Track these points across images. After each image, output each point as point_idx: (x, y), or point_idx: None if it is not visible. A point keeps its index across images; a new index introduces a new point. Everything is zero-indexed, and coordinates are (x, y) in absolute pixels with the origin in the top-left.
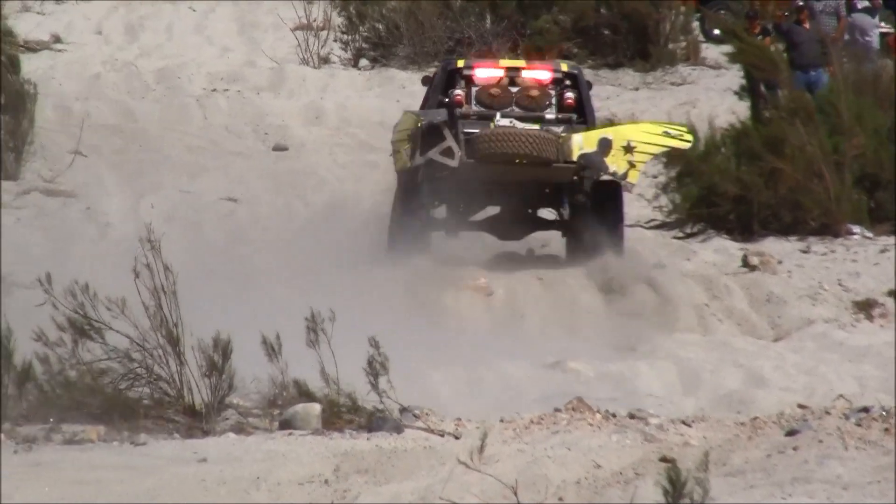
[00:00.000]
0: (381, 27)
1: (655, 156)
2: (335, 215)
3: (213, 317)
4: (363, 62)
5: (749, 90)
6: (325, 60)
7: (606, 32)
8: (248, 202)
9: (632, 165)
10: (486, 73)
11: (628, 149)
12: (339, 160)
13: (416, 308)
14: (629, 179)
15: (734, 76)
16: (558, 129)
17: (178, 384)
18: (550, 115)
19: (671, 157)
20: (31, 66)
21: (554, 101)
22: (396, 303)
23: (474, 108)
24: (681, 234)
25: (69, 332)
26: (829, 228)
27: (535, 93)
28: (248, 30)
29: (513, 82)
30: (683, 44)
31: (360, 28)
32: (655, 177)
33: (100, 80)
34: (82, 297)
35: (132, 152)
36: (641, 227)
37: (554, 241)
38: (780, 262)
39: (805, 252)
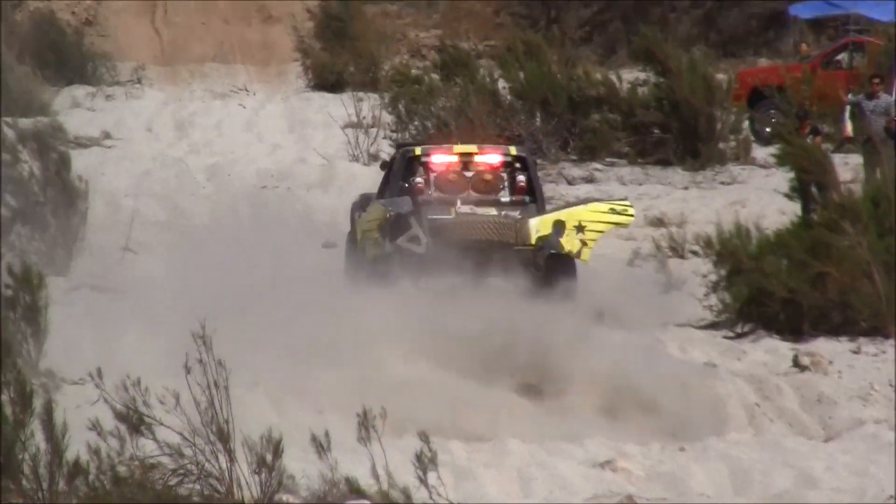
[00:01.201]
0: (430, 125)
1: (604, 233)
2: None
3: (266, 412)
4: None
5: (799, 191)
6: (374, 157)
7: (656, 131)
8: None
9: (584, 244)
10: (442, 158)
11: (580, 228)
12: None
13: (463, 401)
14: (582, 257)
15: (784, 176)
16: (515, 214)
17: (228, 481)
18: (504, 197)
19: (721, 256)
20: (80, 163)
21: (506, 184)
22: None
23: (434, 193)
24: (731, 334)
25: (121, 427)
26: (879, 329)
27: (488, 177)
28: (298, 127)
29: (466, 167)
30: (733, 143)
31: (410, 125)
32: (705, 276)
33: (149, 176)
34: (133, 391)
35: (182, 249)
36: (692, 326)
37: None
38: (830, 363)
39: (856, 352)
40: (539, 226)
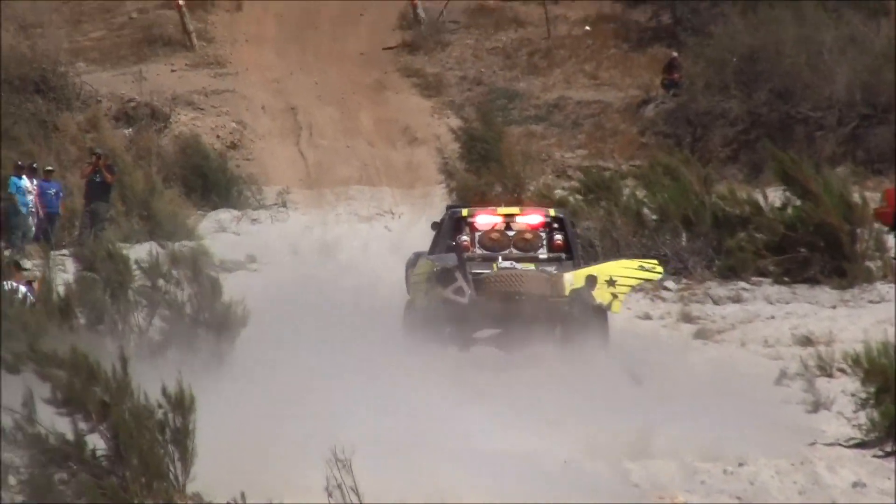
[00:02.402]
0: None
1: (633, 287)
2: None
3: None
4: None
5: None
6: None
7: (802, 250)
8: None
9: (615, 297)
10: (487, 219)
11: (611, 283)
12: (535, 376)
13: None
14: (613, 309)
15: None
16: (551, 269)
17: None
18: (543, 254)
19: (869, 374)
20: (226, 287)
21: (545, 242)
22: None
23: (478, 251)
24: (881, 453)
25: None
26: None
27: (529, 236)
28: None
29: (509, 227)
30: (880, 262)
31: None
32: (854, 394)
33: (295, 299)
34: None
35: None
36: (841, 445)
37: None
38: None
39: None
40: (574, 279)
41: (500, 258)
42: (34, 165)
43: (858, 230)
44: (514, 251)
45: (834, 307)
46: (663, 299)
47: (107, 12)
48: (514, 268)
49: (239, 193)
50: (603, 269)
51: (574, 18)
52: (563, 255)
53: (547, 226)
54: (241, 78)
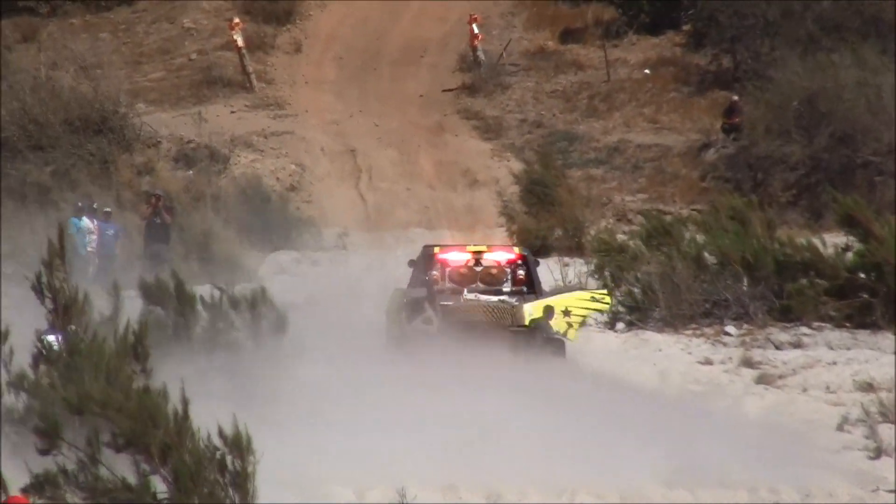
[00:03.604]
0: (636, 290)
1: (585, 317)
2: None
3: None
4: (619, 325)
5: None
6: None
7: (864, 296)
8: (509, 467)
9: (570, 325)
10: (457, 256)
11: (566, 313)
12: (596, 422)
13: None
14: (569, 337)
15: None
16: (513, 300)
17: None
18: (507, 288)
19: None
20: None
21: (509, 277)
22: None
23: (448, 284)
24: None
25: None
26: None
27: (494, 271)
28: None
29: (477, 263)
30: None
31: (616, 292)
32: None
33: (354, 340)
34: None
35: (384, 414)
36: None
37: None
38: None
39: None
40: (533, 310)
41: (465, 291)
42: (94, 206)
43: None
44: (481, 285)
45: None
46: (724, 344)
47: (166, 53)
48: (478, 298)
49: (298, 235)
50: (559, 301)
51: (634, 62)
52: (525, 289)
53: (512, 264)
54: (300, 120)
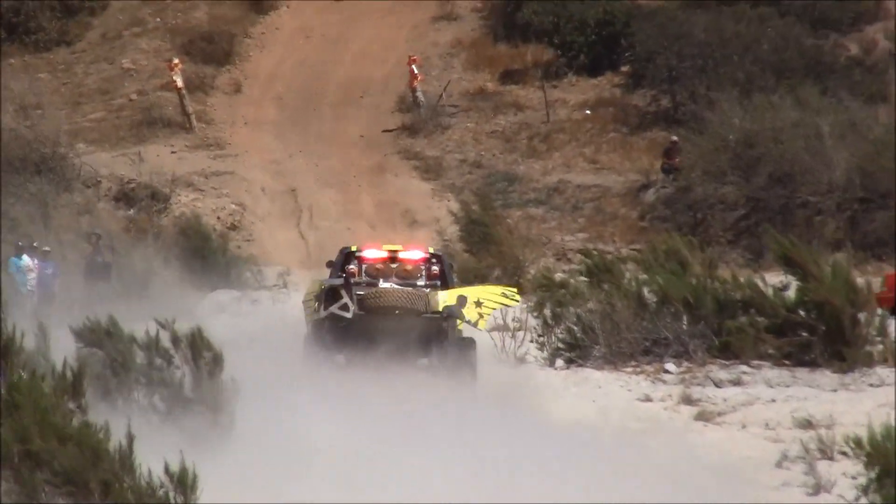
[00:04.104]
0: (576, 328)
1: (495, 309)
2: None
3: None
4: (559, 362)
5: None
6: (521, 360)
7: (803, 333)
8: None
9: (481, 316)
10: (373, 254)
11: (478, 304)
12: (535, 458)
13: None
14: (479, 326)
15: None
16: (426, 290)
17: None
18: (421, 282)
19: (871, 457)
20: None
21: (423, 273)
22: None
23: (364, 278)
24: None
25: None
26: None
27: (409, 267)
28: None
29: (393, 260)
30: (881, 346)
31: (556, 329)
32: (855, 477)
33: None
34: None
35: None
36: None
37: None
38: None
39: None
40: (447, 298)
41: (381, 281)
42: (34, 245)
43: (860, 314)
44: (396, 279)
45: (835, 390)
46: (664, 382)
47: (106, 94)
48: (393, 287)
49: (239, 274)
50: (472, 292)
51: (573, 102)
52: (439, 283)
53: (426, 261)
54: (240, 160)
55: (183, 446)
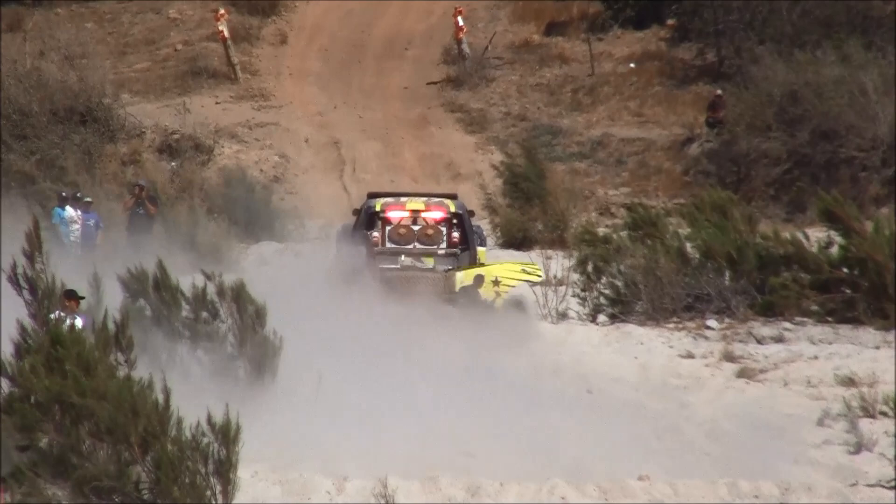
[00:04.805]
0: (618, 283)
1: (513, 286)
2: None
3: None
4: (601, 318)
5: None
6: (563, 316)
7: (846, 290)
8: (487, 459)
9: (498, 294)
10: (396, 213)
11: (496, 282)
12: (575, 415)
13: None
14: (495, 304)
15: None
16: (447, 264)
17: None
18: (442, 249)
19: None
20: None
21: (445, 236)
22: None
23: (388, 244)
24: None
25: None
26: None
27: (430, 231)
28: None
29: (415, 221)
30: None
31: (598, 284)
32: None
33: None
34: None
35: (368, 405)
36: (883, 486)
37: None
38: None
39: None
40: (464, 278)
41: (402, 256)
42: (78, 195)
43: None
44: (418, 245)
45: (877, 348)
46: (706, 338)
47: (151, 44)
48: (414, 265)
49: (282, 227)
50: (490, 270)
51: (618, 56)
52: (458, 251)
53: (447, 221)
54: (284, 111)
55: (226, 399)
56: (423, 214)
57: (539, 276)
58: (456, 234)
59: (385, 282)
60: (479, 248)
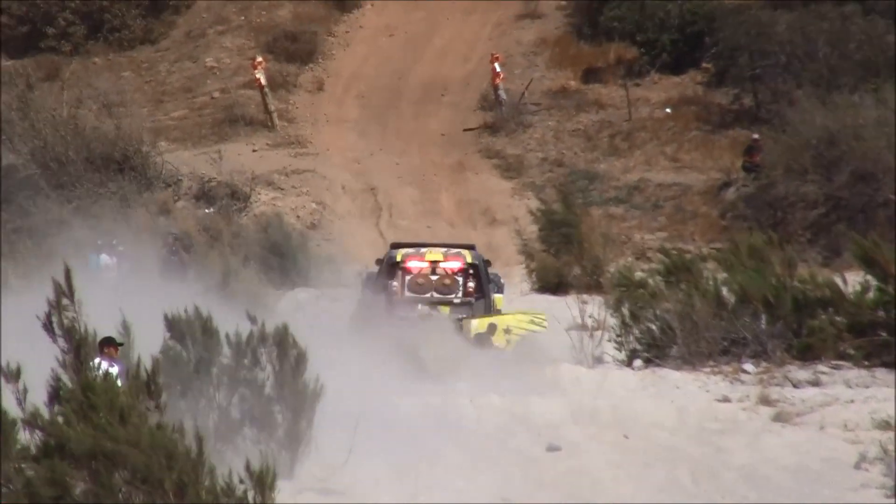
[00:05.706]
0: (654, 328)
1: (522, 336)
2: None
3: None
4: (637, 362)
5: None
6: (598, 360)
7: (883, 334)
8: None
9: (508, 342)
10: (416, 264)
11: (507, 331)
12: (613, 460)
13: None
14: (507, 350)
15: None
16: (462, 312)
17: None
18: (458, 298)
19: None
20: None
21: (461, 287)
22: None
23: (407, 293)
24: None
25: None
26: None
27: (447, 282)
28: None
29: (433, 271)
30: None
31: (634, 329)
32: None
33: (373, 379)
34: None
35: (405, 453)
36: None
37: None
38: None
39: None
40: (478, 325)
41: (420, 306)
42: (114, 243)
43: None
44: (436, 294)
45: None
46: (742, 382)
47: (189, 92)
48: (431, 314)
49: (318, 273)
50: (502, 320)
51: (655, 101)
52: (475, 299)
53: (464, 271)
54: (321, 158)
55: (262, 446)
56: (441, 265)
57: (545, 326)
58: (472, 284)
59: (402, 329)
60: (497, 295)
